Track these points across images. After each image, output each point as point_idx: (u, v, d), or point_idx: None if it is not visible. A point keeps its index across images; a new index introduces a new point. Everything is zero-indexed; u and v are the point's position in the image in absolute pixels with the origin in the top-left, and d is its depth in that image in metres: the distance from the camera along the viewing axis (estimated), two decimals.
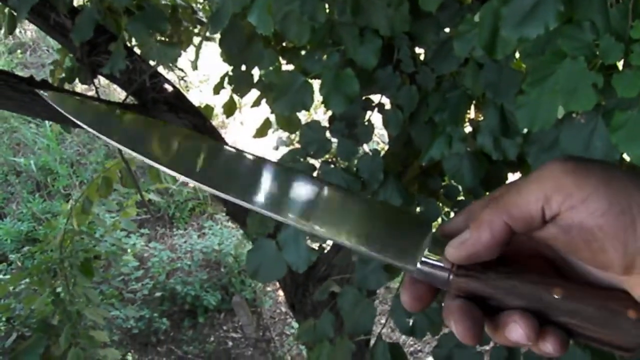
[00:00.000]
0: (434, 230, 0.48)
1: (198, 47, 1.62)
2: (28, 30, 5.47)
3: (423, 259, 0.46)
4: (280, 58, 1.52)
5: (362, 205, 0.50)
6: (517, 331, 0.42)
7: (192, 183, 0.49)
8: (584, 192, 0.40)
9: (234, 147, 0.53)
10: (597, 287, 0.43)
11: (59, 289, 2.11)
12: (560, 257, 0.46)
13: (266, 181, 0.51)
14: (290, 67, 1.61)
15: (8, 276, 3.30)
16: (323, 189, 0.50)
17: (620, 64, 0.90)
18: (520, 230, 0.43)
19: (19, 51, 5.39)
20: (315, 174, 1.37)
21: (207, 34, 1.86)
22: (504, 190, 0.44)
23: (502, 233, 0.43)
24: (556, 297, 0.43)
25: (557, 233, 0.42)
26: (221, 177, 0.50)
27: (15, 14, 1.69)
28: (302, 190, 0.50)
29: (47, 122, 4.40)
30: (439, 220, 1.39)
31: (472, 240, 0.44)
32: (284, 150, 4.28)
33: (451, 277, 0.45)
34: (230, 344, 3.56)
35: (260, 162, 0.51)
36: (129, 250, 3.75)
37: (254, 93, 1.70)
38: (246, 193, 0.49)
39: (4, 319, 2.28)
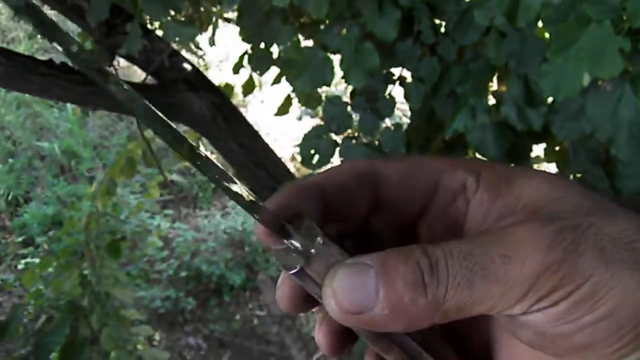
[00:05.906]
0: None
1: (215, 24, 1.61)
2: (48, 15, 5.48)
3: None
4: (300, 35, 1.51)
5: None
6: None
7: None
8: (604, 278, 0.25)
9: None
10: None
11: (86, 271, 2.14)
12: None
13: None
14: (310, 43, 1.59)
15: (36, 259, 3.34)
16: None
17: None
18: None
19: (39, 36, 5.41)
20: (337, 150, 1.36)
21: (225, 13, 1.85)
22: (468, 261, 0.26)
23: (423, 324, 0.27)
24: None
25: (524, 329, 0.28)
26: None
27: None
28: None
29: (68, 105, 4.43)
30: None
31: (375, 317, 0.27)
32: (307, 120, 4.30)
33: None
34: (256, 321, 3.58)
35: None
36: (153, 232, 3.78)
37: (274, 71, 1.69)
38: None
39: (32, 301, 2.31)
